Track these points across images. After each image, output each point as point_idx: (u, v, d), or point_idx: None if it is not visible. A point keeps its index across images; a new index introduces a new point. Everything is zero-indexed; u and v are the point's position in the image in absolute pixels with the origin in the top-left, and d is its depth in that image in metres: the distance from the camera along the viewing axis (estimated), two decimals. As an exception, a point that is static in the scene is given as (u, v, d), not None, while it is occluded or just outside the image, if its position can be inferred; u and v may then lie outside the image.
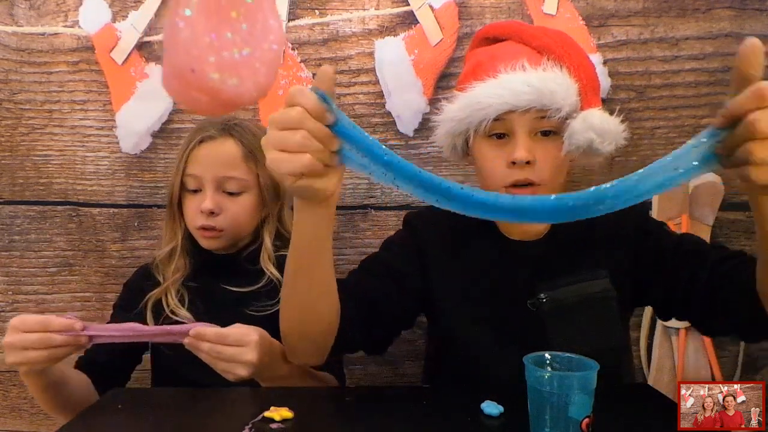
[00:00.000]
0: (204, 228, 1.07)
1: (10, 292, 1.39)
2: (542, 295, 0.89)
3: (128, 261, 1.38)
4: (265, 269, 1.08)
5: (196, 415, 0.81)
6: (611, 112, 0.88)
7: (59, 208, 1.38)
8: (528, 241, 0.96)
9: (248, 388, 0.89)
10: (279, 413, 0.73)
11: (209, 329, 0.84)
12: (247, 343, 0.83)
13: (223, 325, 0.86)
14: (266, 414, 0.73)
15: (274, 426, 0.72)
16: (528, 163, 0.85)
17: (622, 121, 0.89)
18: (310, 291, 0.77)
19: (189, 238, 1.13)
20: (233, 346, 0.83)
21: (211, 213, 1.06)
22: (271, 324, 0.87)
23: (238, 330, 0.84)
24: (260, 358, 0.83)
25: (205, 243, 1.09)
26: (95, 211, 1.38)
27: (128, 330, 0.86)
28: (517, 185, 0.87)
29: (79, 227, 1.38)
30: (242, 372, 0.84)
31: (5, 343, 0.84)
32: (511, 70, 0.85)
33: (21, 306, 1.39)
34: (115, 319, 1.11)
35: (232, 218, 1.08)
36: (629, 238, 0.93)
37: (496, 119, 0.86)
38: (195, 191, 1.08)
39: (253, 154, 1.08)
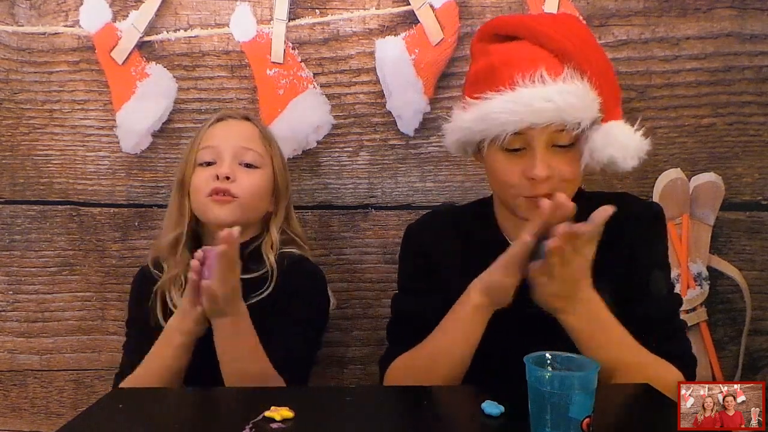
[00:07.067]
0: (216, 192, 1.03)
1: (11, 292, 1.39)
2: None
3: (128, 261, 1.37)
4: (264, 255, 1.06)
5: (196, 415, 0.81)
6: (630, 123, 0.86)
7: (60, 207, 1.38)
8: None
9: (249, 387, 0.90)
10: (279, 413, 0.73)
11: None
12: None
13: None
14: (266, 414, 0.73)
15: (274, 426, 0.72)
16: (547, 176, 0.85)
17: (643, 134, 0.87)
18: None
19: (194, 232, 1.09)
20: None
21: (227, 179, 1.03)
22: (257, 311, 0.97)
23: None
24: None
25: (216, 211, 1.04)
26: (96, 210, 1.37)
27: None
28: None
29: (79, 227, 1.38)
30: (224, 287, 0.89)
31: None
32: (529, 81, 0.82)
33: (21, 306, 1.39)
34: (133, 336, 1.11)
35: (246, 188, 1.06)
36: (625, 257, 0.93)
37: (514, 133, 0.85)
38: (209, 164, 1.07)
39: (268, 138, 1.13)
